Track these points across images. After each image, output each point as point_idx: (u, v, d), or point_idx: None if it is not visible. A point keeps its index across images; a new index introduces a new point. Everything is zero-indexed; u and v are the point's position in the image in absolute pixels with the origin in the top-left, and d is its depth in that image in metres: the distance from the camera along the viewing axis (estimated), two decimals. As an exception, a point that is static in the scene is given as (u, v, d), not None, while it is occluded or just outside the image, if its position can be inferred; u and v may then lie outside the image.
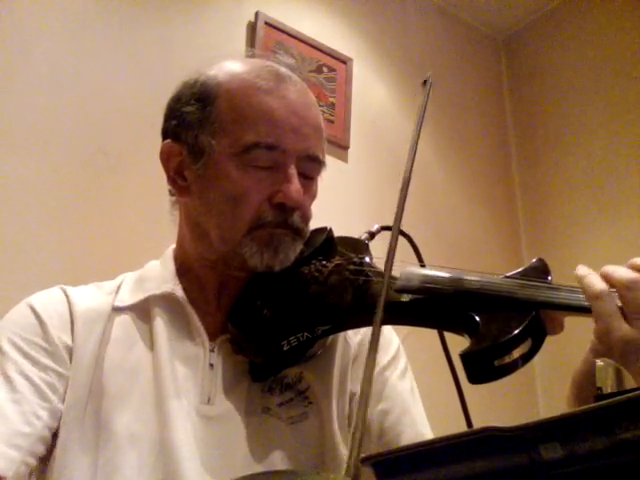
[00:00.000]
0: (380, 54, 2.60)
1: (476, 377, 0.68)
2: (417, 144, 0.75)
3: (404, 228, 0.84)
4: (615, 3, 2.67)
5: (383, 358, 0.91)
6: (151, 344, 0.84)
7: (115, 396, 0.80)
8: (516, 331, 0.66)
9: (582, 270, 0.67)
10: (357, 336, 0.92)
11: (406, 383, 0.91)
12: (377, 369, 0.89)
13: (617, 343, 0.61)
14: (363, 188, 2.36)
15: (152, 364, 0.82)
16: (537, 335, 0.69)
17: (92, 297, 0.89)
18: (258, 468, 0.78)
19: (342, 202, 2.21)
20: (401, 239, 0.84)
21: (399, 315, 0.79)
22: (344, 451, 0.83)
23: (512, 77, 3.02)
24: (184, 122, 0.87)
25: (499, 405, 2.19)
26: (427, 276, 0.78)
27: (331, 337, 0.88)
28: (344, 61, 2.43)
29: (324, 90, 2.33)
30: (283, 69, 0.89)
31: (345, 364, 0.89)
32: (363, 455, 0.41)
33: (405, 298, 0.77)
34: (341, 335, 0.90)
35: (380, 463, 0.41)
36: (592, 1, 2.75)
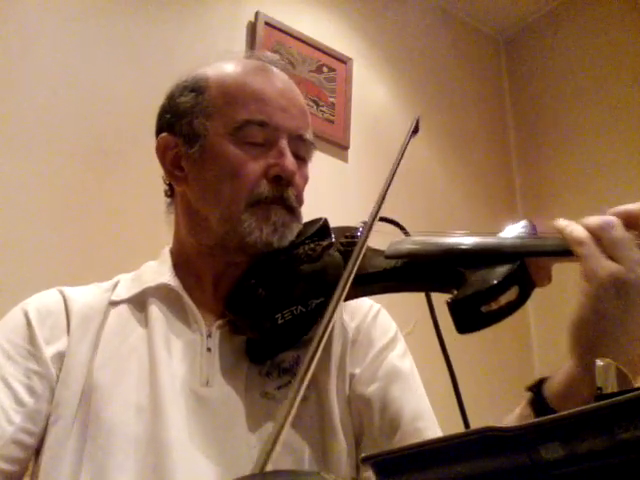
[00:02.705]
0: (380, 54, 2.60)
1: (463, 325, 0.68)
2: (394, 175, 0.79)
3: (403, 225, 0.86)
4: (615, 3, 2.67)
5: (383, 339, 0.93)
6: (147, 331, 0.85)
7: (105, 389, 0.81)
8: (501, 277, 0.67)
9: (562, 222, 0.68)
10: (354, 320, 0.93)
11: (406, 363, 0.93)
12: (377, 349, 0.91)
13: (606, 281, 0.62)
14: (363, 188, 2.35)
15: (148, 350, 0.84)
16: (524, 284, 0.69)
17: (89, 294, 0.91)
18: (256, 450, 0.77)
19: (342, 202, 2.21)
20: (395, 229, 0.86)
21: (388, 281, 0.80)
22: (343, 436, 0.84)
23: (512, 77, 3.02)
24: (178, 112, 0.90)
25: (499, 405, 2.19)
26: (416, 240, 0.81)
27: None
28: (344, 61, 2.43)
29: (324, 90, 2.33)
30: (269, 64, 0.94)
31: (344, 348, 0.90)
32: (363, 455, 0.41)
33: (394, 263, 0.79)
34: (338, 320, 0.91)
35: (380, 463, 0.41)
36: (592, 1, 2.75)
